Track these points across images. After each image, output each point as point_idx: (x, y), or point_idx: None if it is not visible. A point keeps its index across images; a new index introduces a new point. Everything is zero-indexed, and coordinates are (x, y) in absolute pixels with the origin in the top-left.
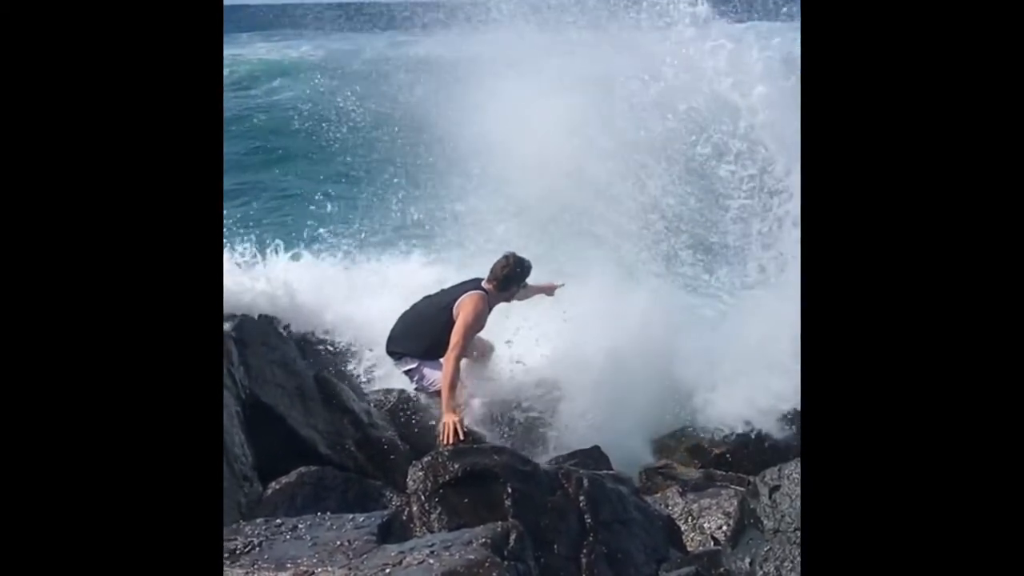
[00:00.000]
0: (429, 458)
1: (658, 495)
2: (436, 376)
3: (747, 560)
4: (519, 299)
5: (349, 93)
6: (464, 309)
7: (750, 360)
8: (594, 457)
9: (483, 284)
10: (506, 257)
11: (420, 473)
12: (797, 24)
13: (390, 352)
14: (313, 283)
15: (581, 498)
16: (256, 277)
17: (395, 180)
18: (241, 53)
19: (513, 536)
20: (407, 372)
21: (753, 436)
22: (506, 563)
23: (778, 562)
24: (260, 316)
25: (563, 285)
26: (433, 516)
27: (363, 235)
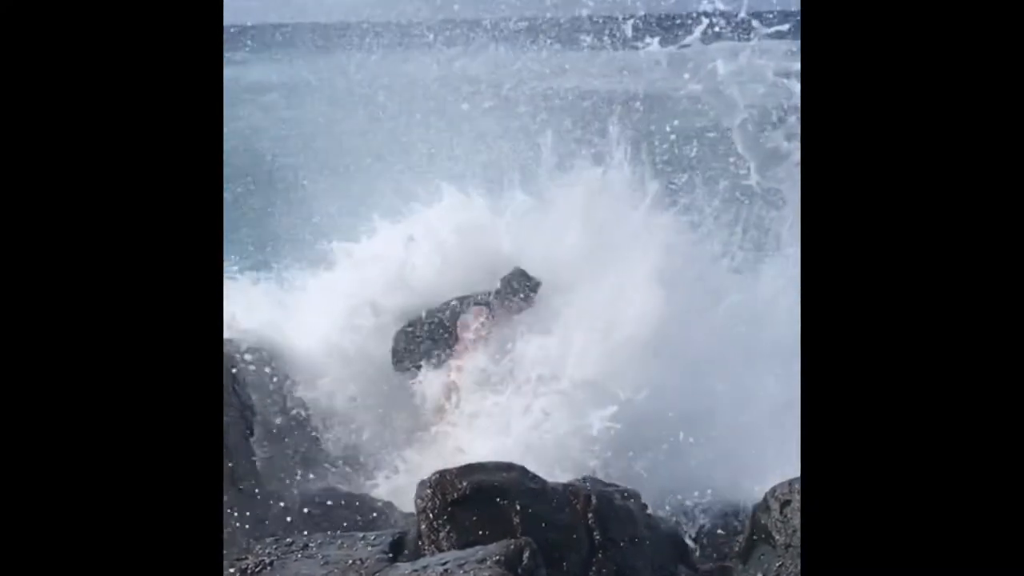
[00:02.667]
0: (437, 476)
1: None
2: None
3: None
4: (529, 309)
5: (319, 118)
6: (469, 324)
7: None
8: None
9: (489, 299)
10: (512, 273)
11: (428, 491)
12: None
13: (397, 368)
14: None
15: (590, 515)
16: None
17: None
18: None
19: (526, 553)
20: (414, 384)
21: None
22: None
23: None
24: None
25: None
26: (442, 534)
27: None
